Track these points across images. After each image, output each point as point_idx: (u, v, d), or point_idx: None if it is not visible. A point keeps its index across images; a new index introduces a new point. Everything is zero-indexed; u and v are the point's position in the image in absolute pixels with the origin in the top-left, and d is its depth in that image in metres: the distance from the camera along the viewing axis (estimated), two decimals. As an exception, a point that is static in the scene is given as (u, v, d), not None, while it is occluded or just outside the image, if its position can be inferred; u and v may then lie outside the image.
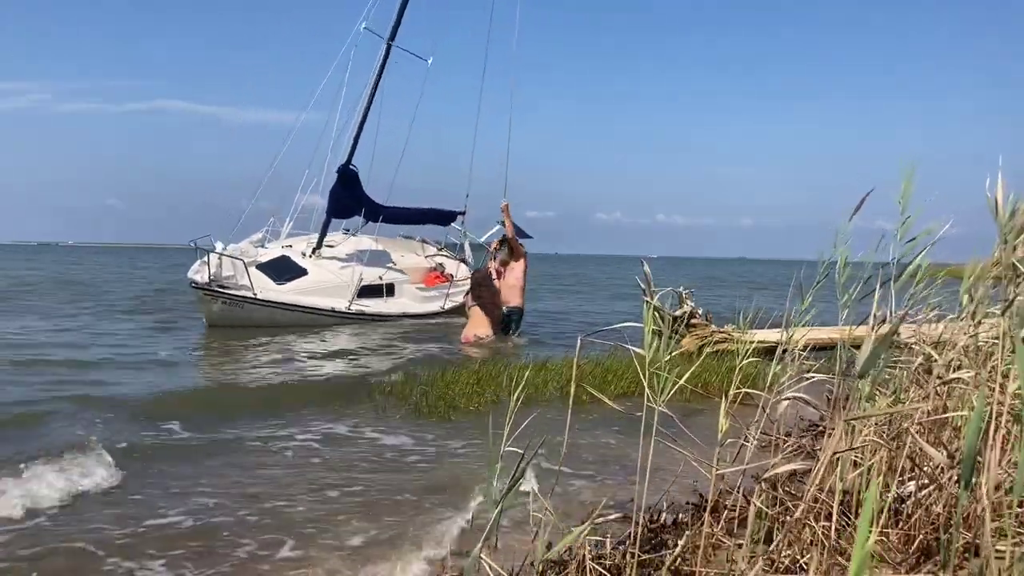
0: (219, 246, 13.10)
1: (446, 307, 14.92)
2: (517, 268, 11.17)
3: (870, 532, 0.86)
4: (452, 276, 16.92)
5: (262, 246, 14.39)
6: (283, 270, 13.44)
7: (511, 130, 13.20)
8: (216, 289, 12.55)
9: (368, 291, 13.85)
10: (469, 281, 10.75)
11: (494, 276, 11.35)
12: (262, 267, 13.35)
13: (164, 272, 34.53)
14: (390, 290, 14.21)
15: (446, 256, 17.44)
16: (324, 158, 14.23)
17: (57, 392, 6.71)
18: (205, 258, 12.71)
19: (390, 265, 14.74)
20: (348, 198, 13.89)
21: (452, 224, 17.32)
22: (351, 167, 13.88)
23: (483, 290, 10.56)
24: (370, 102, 13.97)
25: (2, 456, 4.47)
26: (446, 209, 17.03)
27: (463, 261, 17.22)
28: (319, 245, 14.05)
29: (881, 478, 2.64)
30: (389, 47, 14.01)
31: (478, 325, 10.38)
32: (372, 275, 14.01)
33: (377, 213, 14.79)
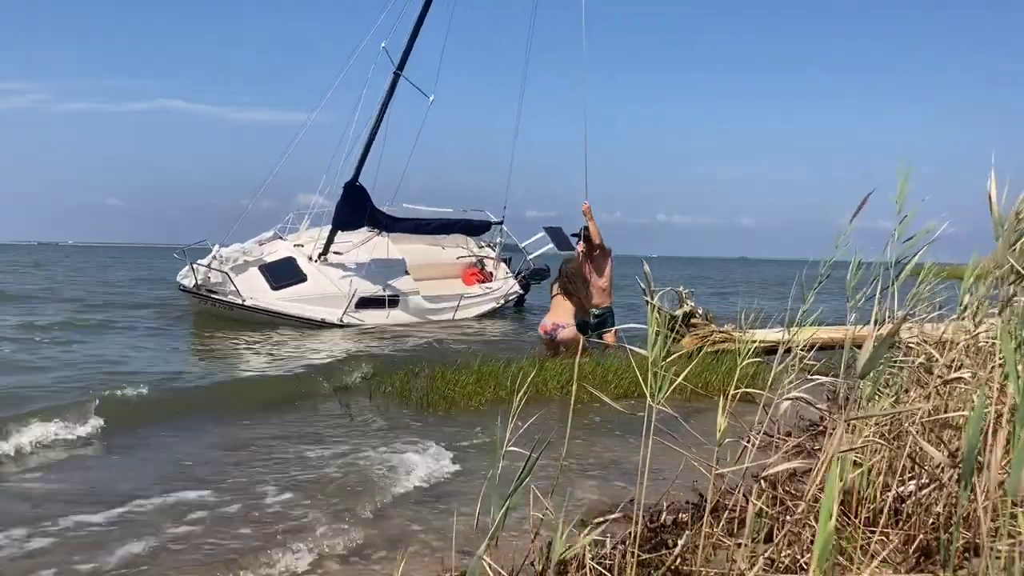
0: (215, 248, 13.13)
1: (455, 318, 14.75)
2: (607, 268, 10.34)
3: (831, 519, 0.86)
4: (492, 275, 16.70)
5: (280, 238, 14.41)
6: (284, 274, 13.35)
7: (587, 148, 11.75)
8: (203, 293, 12.68)
9: (368, 302, 13.65)
10: (559, 271, 9.99)
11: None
12: (264, 268, 13.34)
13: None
14: (393, 302, 13.96)
15: (490, 254, 17.21)
16: (339, 164, 14.15)
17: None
18: (192, 265, 12.82)
19: (404, 274, 14.41)
20: (352, 213, 13.67)
21: (486, 233, 17.10)
22: (357, 184, 13.69)
23: (577, 284, 9.57)
24: (376, 125, 13.80)
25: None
26: (477, 219, 16.76)
27: (505, 262, 17.05)
28: (325, 251, 13.93)
29: (881, 478, 2.64)
30: (397, 76, 13.84)
31: (560, 314, 9.07)
32: (373, 287, 13.75)
33: (390, 227, 14.51)
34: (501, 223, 17.09)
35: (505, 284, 16.51)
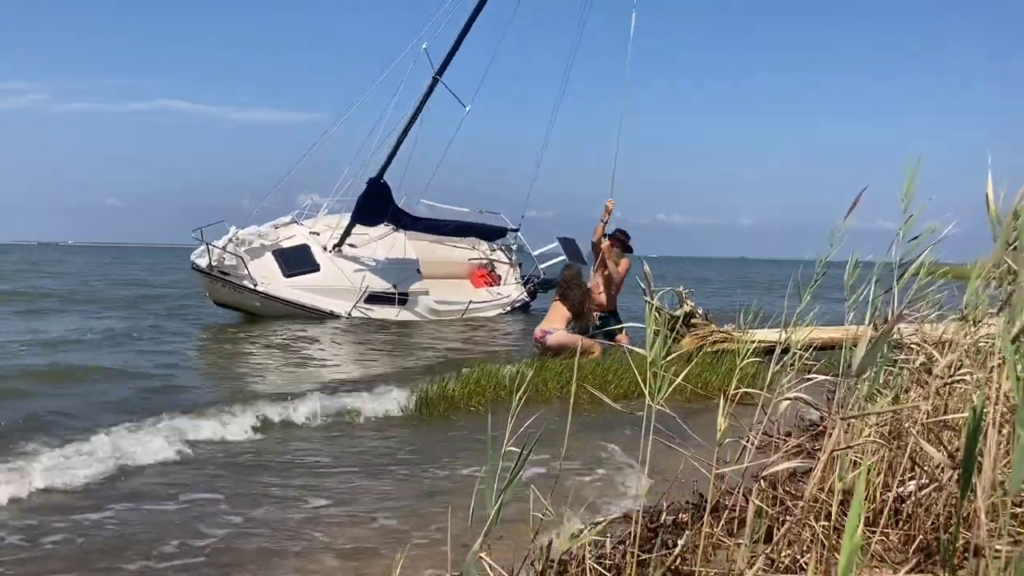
0: (232, 230, 13.15)
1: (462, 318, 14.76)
2: (621, 282, 10.04)
3: (857, 529, 0.86)
4: (500, 278, 16.68)
5: (297, 222, 14.43)
6: (297, 261, 13.37)
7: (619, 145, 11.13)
8: (216, 274, 12.72)
9: (378, 298, 13.66)
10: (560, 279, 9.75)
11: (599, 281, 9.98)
12: (279, 253, 13.39)
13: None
14: (402, 300, 13.98)
15: (501, 257, 17.16)
16: (365, 159, 14.11)
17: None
18: (208, 246, 12.84)
19: (416, 273, 14.42)
20: (374, 209, 13.70)
21: (502, 239, 17.05)
22: (382, 181, 13.64)
23: (574, 290, 9.07)
24: (408, 126, 13.72)
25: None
26: (493, 225, 16.72)
27: (519, 265, 17.01)
28: (340, 243, 13.93)
29: (881, 478, 2.64)
30: (435, 81, 13.65)
31: (552, 320, 8.98)
32: (384, 284, 13.77)
33: (409, 226, 14.53)
34: (517, 230, 17.06)
35: (514, 291, 16.50)
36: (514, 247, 17.43)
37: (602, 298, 9.68)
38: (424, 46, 13.52)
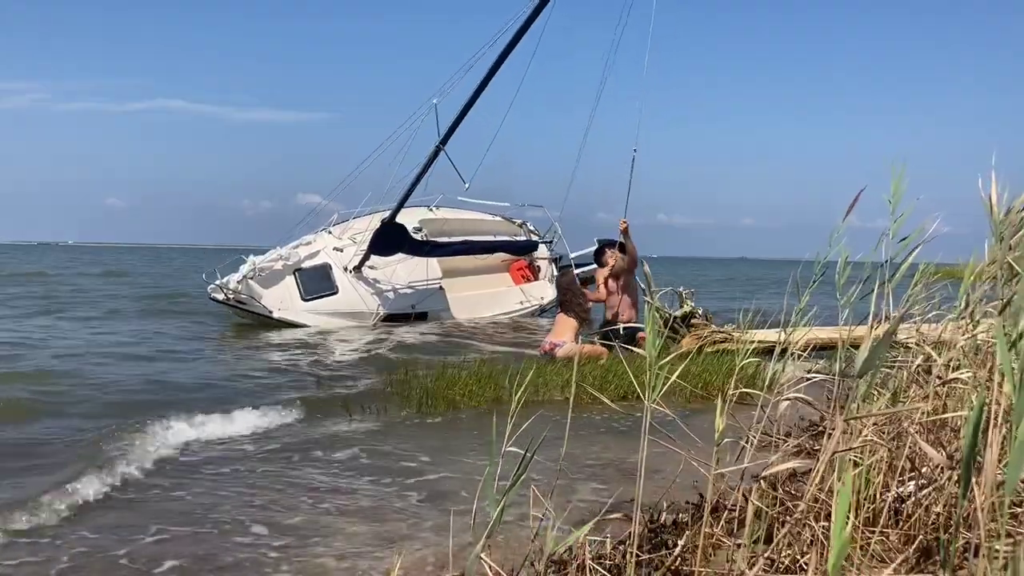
0: (250, 260, 13.16)
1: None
2: (632, 282, 9.74)
3: (846, 525, 0.87)
4: (539, 270, 16.51)
5: (327, 230, 14.42)
6: (317, 285, 13.40)
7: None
8: (234, 304, 12.90)
9: (394, 318, 13.68)
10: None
11: (600, 287, 10.08)
12: (300, 272, 13.43)
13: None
14: (421, 317, 13.98)
15: (543, 251, 16.87)
16: (380, 195, 13.94)
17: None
18: (222, 281, 12.97)
19: (440, 289, 14.38)
20: (387, 246, 13.55)
21: (533, 253, 16.85)
22: (394, 224, 13.43)
23: (570, 296, 8.78)
24: (412, 187, 13.29)
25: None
26: (522, 241, 16.33)
27: (558, 259, 16.81)
28: (360, 266, 13.85)
29: (881, 478, 2.65)
30: (438, 150, 13.04)
31: (559, 332, 8.63)
32: (401, 306, 13.81)
33: (432, 253, 14.30)
34: (550, 242, 16.85)
35: (548, 290, 16.31)
36: (553, 250, 17.24)
37: (631, 311, 9.65)
38: (435, 101, 12.89)
